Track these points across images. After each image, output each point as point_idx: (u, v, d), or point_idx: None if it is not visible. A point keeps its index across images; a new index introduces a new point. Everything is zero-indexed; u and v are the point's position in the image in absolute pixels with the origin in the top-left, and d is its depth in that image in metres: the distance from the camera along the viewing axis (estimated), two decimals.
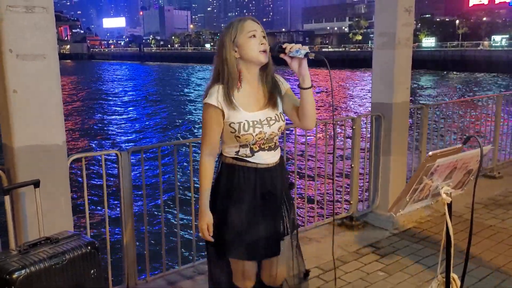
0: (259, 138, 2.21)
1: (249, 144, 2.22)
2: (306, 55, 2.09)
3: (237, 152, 2.25)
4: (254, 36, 2.15)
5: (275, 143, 2.31)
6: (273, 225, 2.33)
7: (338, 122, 4.55)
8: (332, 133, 4.43)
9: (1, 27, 2.39)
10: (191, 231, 3.65)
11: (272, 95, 2.27)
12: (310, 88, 2.18)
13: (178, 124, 21.87)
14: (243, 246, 2.28)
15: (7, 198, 2.46)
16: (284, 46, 2.16)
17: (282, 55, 2.17)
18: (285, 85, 2.34)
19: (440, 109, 5.58)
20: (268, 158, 2.28)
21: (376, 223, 4.54)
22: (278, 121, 2.27)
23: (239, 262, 2.36)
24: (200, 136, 2.31)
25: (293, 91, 2.37)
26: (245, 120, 2.17)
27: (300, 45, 2.13)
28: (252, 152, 2.24)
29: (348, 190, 4.58)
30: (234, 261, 2.37)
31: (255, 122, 2.19)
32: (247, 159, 2.24)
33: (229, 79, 2.17)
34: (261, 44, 2.16)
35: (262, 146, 2.26)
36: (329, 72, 2.16)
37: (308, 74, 2.16)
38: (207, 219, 2.24)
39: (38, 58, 2.50)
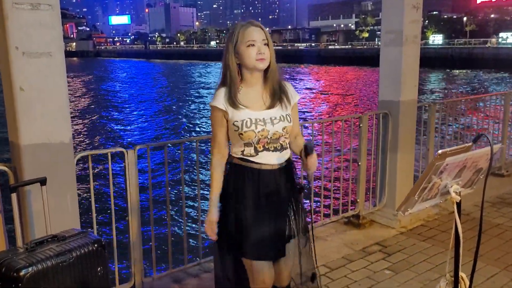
0: (261, 135, 2.25)
1: (253, 143, 2.27)
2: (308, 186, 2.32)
3: (243, 151, 2.30)
4: (252, 45, 2.24)
5: (282, 144, 2.32)
6: (277, 227, 2.34)
7: (345, 120, 4.52)
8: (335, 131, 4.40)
9: (7, 24, 2.38)
10: (197, 229, 3.64)
11: (277, 97, 2.33)
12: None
13: (184, 121, 21.90)
14: (249, 246, 2.30)
15: (13, 196, 2.47)
16: (312, 158, 2.21)
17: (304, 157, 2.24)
18: (294, 98, 2.39)
19: (448, 107, 5.53)
20: (272, 159, 2.30)
21: (383, 221, 4.52)
22: (283, 121, 2.30)
23: (250, 263, 2.34)
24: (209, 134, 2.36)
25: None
26: (248, 118, 2.25)
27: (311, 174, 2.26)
28: (256, 152, 2.28)
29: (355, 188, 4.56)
30: (248, 263, 2.36)
31: (258, 120, 2.26)
32: (251, 159, 2.28)
33: (231, 83, 2.28)
34: (259, 53, 2.23)
35: (267, 146, 2.28)
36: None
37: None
38: (211, 217, 2.33)
39: (44, 56, 2.50)
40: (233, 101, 2.25)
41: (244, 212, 2.28)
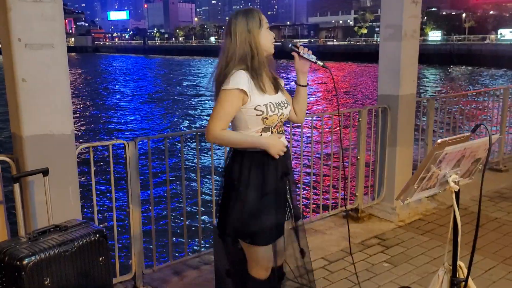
0: (281, 119, 2.31)
1: (271, 128, 2.29)
2: (316, 61, 2.34)
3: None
4: (269, 28, 2.31)
5: (283, 127, 2.41)
6: (283, 207, 2.39)
7: (345, 114, 4.54)
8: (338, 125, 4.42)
9: (10, 16, 2.40)
10: (198, 221, 3.67)
11: (277, 82, 2.40)
12: (307, 85, 2.46)
13: (183, 116, 21.90)
14: (263, 231, 2.29)
15: (16, 186, 2.49)
16: (298, 46, 2.38)
17: (293, 53, 2.38)
18: (281, 81, 2.46)
19: (447, 101, 5.56)
20: (283, 142, 2.35)
21: (382, 215, 4.55)
22: (289, 105, 2.40)
23: (256, 250, 2.33)
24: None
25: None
26: (270, 102, 2.26)
27: (307, 49, 2.39)
28: None
29: (354, 182, 4.58)
30: (254, 250, 2.34)
31: (277, 104, 2.29)
32: None
33: (259, 65, 2.25)
34: (274, 37, 2.32)
35: (279, 130, 2.34)
36: (332, 76, 2.43)
37: (307, 74, 2.44)
38: (280, 141, 2.27)
39: (46, 47, 2.51)
40: (259, 84, 2.23)
41: (263, 198, 2.27)
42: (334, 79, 2.53)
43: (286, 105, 2.34)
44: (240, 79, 2.19)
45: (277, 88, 2.36)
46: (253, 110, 2.23)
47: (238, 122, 2.27)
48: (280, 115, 2.28)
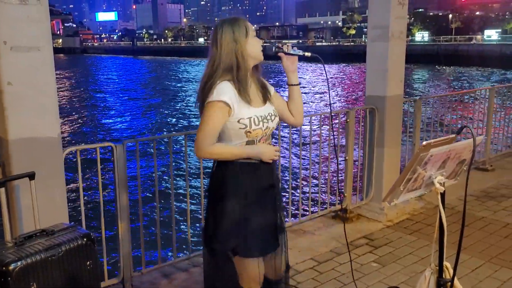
0: (265, 133, 2.25)
1: (256, 141, 2.23)
2: (303, 53, 2.32)
3: None
4: (256, 35, 2.26)
5: (271, 139, 2.35)
6: (274, 219, 2.34)
7: (332, 115, 4.56)
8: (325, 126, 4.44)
9: None
10: (186, 224, 3.66)
11: (264, 92, 2.33)
12: (299, 84, 2.39)
13: (172, 118, 21.83)
14: (254, 243, 2.25)
15: (2, 191, 2.46)
16: (282, 45, 2.34)
17: (280, 54, 2.32)
18: (271, 89, 2.40)
19: (434, 102, 5.61)
20: None
21: (370, 215, 4.58)
22: (276, 116, 2.33)
23: (246, 262, 2.28)
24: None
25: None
26: (254, 115, 2.20)
27: (291, 45, 2.35)
28: None
29: (342, 182, 4.61)
30: (244, 262, 2.29)
31: (262, 117, 2.23)
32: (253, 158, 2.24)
33: (245, 77, 2.20)
34: (261, 45, 2.27)
35: (264, 143, 2.28)
36: (323, 67, 2.44)
37: (297, 72, 2.38)
38: (270, 147, 2.26)
39: (32, 50, 2.49)
40: (244, 96, 2.16)
41: (250, 210, 2.23)
42: (325, 70, 2.51)
43: (273, 117, 2.28)
44: (223, 90, 2.13)
45: (265, 98, 2.29)
46: (236, 123, 2.17)
47: (221, 134, 2.21)
48: (265, 129, 2.22)
